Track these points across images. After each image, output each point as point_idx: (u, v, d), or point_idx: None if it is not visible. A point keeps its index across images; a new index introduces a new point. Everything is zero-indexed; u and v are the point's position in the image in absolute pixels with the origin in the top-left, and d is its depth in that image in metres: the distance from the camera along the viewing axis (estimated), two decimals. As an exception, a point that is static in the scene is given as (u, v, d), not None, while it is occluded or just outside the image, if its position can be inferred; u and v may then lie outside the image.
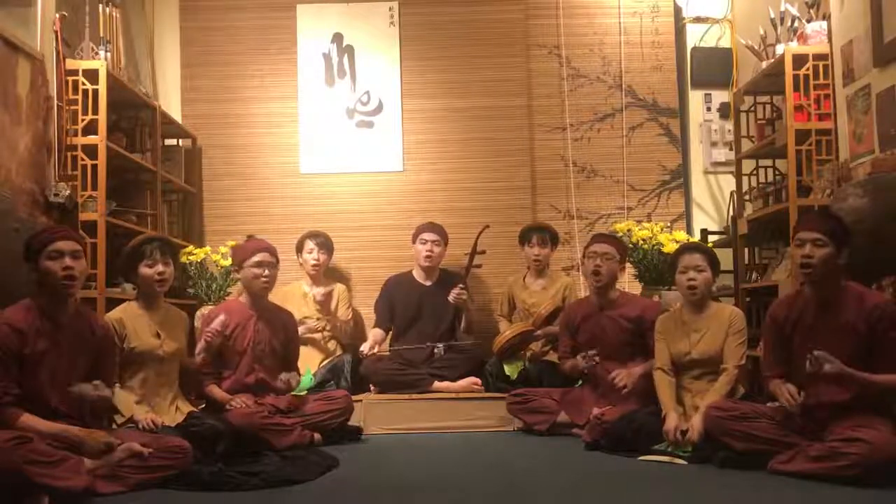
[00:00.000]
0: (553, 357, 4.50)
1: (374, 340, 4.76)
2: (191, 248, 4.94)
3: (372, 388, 4.59)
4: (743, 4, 5.41)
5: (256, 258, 3.93)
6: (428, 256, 4.86)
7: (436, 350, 4.65)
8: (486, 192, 5.38)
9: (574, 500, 2.78)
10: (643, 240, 4.75)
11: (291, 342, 4.07)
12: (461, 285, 4.72)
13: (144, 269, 3.57)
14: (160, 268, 3.57)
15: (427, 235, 4.89)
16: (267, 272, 3.92)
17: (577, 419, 3.93)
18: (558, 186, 5.46)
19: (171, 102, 5.37)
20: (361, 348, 4.72)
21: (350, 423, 4.02)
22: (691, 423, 3.33)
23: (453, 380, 4.52)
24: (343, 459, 3.38)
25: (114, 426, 3.26)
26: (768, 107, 4.68)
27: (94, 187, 4.05)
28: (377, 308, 4.94)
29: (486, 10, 5.46)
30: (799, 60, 4.08)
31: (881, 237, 3.30)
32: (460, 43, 5.46)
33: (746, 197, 4.84)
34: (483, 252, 4.78)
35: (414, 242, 4.93)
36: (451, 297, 4.71)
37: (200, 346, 3.73)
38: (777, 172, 4.71)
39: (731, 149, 5.16)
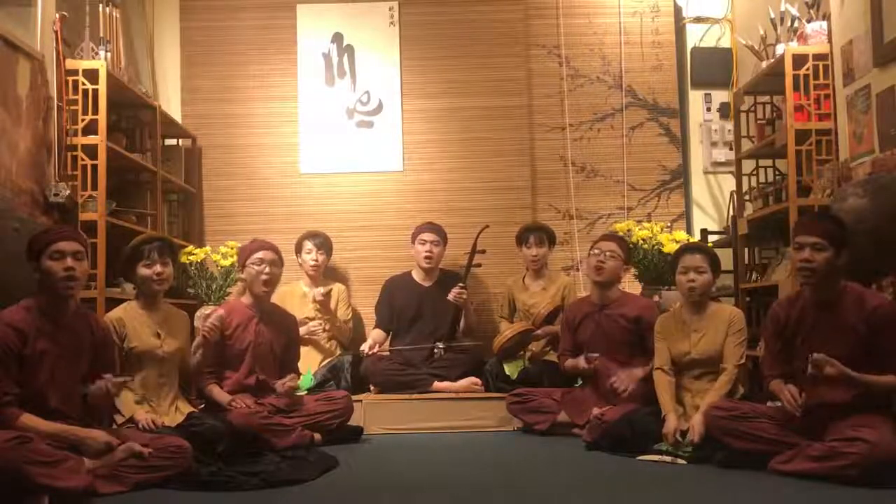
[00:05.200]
0: (553, 357, 4.50)
1: (374, 341, 4.77)
2: (191, 248, 4.93)
3: (372, 388, 4.59)
4: (743, 4, 5.41)
5: (258, 255, 3.94)
6: (427, 257, 4.86)
7: (436, 350, 4.64)
8: (486, 192, 5.38)
9: (574, 500, 2.78)
10: (643, 240, 4.75)
11: (292, 344, 4.08)
12: (461, 285, 4.72)
13: (142, 270, 3.58)
14: (158, 268, 3.57)
15: (426, 236, 4.89)
16: (268, 268, 3.93)
17: (577, 419, 3.93)
18: (558, 186, 5.46)
19: (171, 102, 5.37)
20: (362, 348, 4.73)
21: (350, 423, 4.02)
22: (691, 423, 3.33)
23: (453, 380, 4.52)
24: (343, 459, 3.38)
25: (114, 426, 3.25)
26: (768, 107, 4.68)
27: (94, 187, 4.05)
28: (377, 309, 4.95)
29: (486, 10, 5.46)
30: (799, 60, 4.08)
31: (881, 237, 3.30)
32: (460, 43, 5.46)
33: (746, 197, 4.83)
34: (483, 252, 4.78)
35: (413, 243, 4.93)
36: (451, 297, 4.70)
37: (197, 341, 3.74)
38: (777, 172, 4.71)
39: (731, 149, 5.15)
